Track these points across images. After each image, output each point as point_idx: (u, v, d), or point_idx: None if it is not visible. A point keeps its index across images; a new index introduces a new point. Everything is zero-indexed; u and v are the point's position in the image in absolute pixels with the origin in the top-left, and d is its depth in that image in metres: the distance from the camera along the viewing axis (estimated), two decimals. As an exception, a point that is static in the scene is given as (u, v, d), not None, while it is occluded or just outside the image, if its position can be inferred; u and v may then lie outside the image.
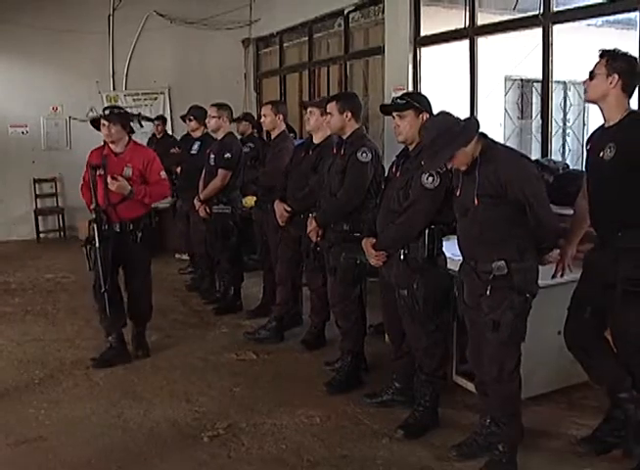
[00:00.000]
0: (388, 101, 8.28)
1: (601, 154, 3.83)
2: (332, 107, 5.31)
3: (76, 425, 4.78)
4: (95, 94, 12.53)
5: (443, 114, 3.93)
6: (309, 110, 5.92)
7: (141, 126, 12.39)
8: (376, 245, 4.56)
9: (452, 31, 7.80)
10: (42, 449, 4.43)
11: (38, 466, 4.21)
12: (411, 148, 4.49)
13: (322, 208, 5.36)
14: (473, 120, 3.88)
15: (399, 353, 4.89)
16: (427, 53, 8.28)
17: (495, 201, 3.74)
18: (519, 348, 3.91)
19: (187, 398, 5.19)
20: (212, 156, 7.20)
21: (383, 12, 8.93)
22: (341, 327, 5.47)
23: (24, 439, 4.56)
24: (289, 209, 5.98)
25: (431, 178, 4.27)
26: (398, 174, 4.53)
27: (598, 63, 3.81)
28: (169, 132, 11.51)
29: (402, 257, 4.42)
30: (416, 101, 4.51)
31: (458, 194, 3.96)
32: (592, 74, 3.83)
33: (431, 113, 4.47)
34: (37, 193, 12.09)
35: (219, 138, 7.30)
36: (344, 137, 5.27)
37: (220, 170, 7.12)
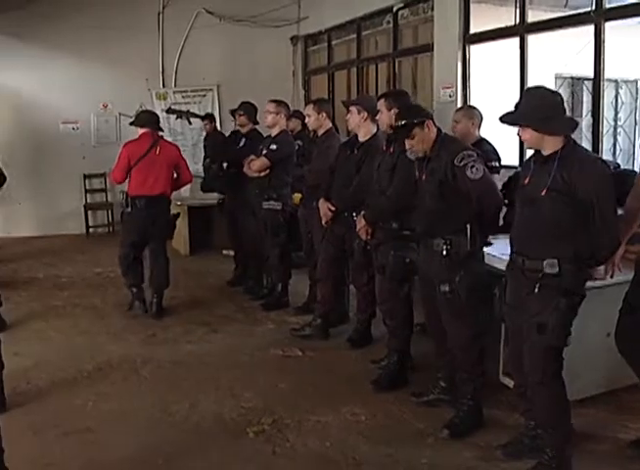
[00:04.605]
0: (436, 99, 8.30)
1: None
2: (381, 104, 5.31)
3: (123, 418, 4.83)
4: (144, 91, 12.66)
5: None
6: (349, 109, 5.93)
7: (190, 123, 12.65)
8: None
9: (502, 29, 7.72)
10: (90, 441, 4.49)
11: (86, 457, 4.27)
12: (428, 152, 4.57)
13: (371, 205, 5.35)
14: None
15: (442, 351, 4.86)
16: (476, 51, 8.21)
17: (563, 198, 3.67)
18: (562, 350, 3.86)
19: (233, 393, 5.22)
20: (265, 151, 7.22)
21: (432, 9, 8.87)
22: (388, 325, 5.46)
23: (73, 429, 4.62)
24: (333, 208, 5.99)
25: (474, 169, 4.28)
26: (424, 176, 4.57)
27: None
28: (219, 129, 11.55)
29: (445, 251, 4.40)
30: (413, 117, 4.57)
31: (526, 183, 3.90)
32: None
33: (431, 118, 4.58)
34: (87, 188, 12.23)
35: (273, 135, 7.31)
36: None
37: (262, 157, 7.17)
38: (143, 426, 4.70)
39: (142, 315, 7.21)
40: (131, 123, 7.43)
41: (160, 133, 7.40)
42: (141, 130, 7.21)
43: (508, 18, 7.54)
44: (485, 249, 4.63)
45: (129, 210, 7.14)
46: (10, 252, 10.44)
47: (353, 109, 5.84)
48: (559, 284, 3.71)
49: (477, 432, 4.51)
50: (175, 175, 7.34)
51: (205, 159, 10.65)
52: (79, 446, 4.42)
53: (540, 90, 3.86)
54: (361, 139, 5.86)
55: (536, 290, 3.77)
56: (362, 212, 5.42)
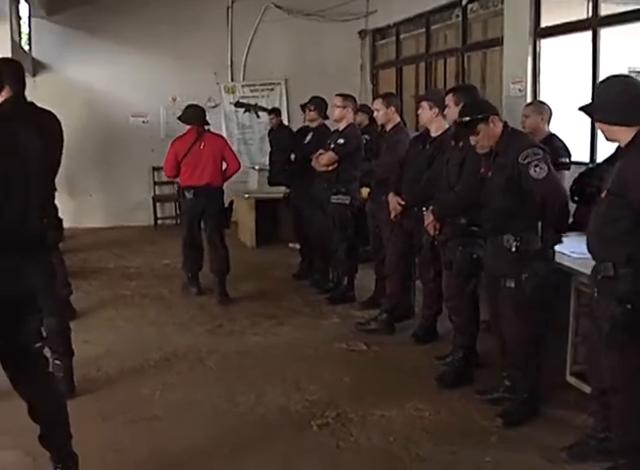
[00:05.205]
0: (505, 94, 8.19)
1: None
2: (449, 99, 5.28)
3: (189, 407, 4.89)
4: (213, 85, 12.79)
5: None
6: (420, 104, 5.91)
7: (258, 117, 12.73)
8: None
9: (574, 22, 7.57)
10: (157, 429, 4.55)
11: (154, 444, 4.32)
12: (494, 147, 4.53)
13: (440, 201, 5.32)
14: None
15: (506, 350, 4.82)
16: (547, 45, 8.08)
17: (618, 199, 3.55)
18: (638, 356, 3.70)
19: (298, 385, 5.24)
20: (332, 145, 7.23)
21: (502, 2, 8.74)
22: (454, 322, 5.43)
23: (141, 417, 4.70)
24: (403, 202, 5.97)
25: (538, 168, 4.23)
26: (491, 172, 4.52)
27: None
28: (285, 123, 11.60)
29: (515, 248, 4.36)
30: (477, 112, 4.54)
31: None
32: None
33: (496, 113, 4.55)
34: (155, 180, 12.41)
35: (341, 129, 7.32)
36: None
37: (329, 152, 7.18)
38: (209, 416, 4.76)
39: (209, 306, 7.35)
40: (179, 118, 7.84)
41: (207, 127, 7.79)
42: (188, 126, 7.64)
43: (580, 11, 7.41)
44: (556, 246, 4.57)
45: (182, 200, 7.76)
46: (80, 242, 10.62)
47: (425, 104, 5.81)
48: (613, 289, 3.51)
49: (542, 432, 4.45)
50: (225, 165, 7.70)
51: (270, 153, 10.72)
52: (147, 433, 4.49)
53: (620, 79, 3.75)
54: (433, 134, 5.83)
55: (596, 294, 3.67)
56: (430, 208, 5.40)
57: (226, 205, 7.82)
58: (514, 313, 4.46)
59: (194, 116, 7.67)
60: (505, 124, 4.58)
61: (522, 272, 4.36)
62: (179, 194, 7.95)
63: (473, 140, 4.58)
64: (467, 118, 4.56)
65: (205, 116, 7.77)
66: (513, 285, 4.38)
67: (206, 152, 7.54)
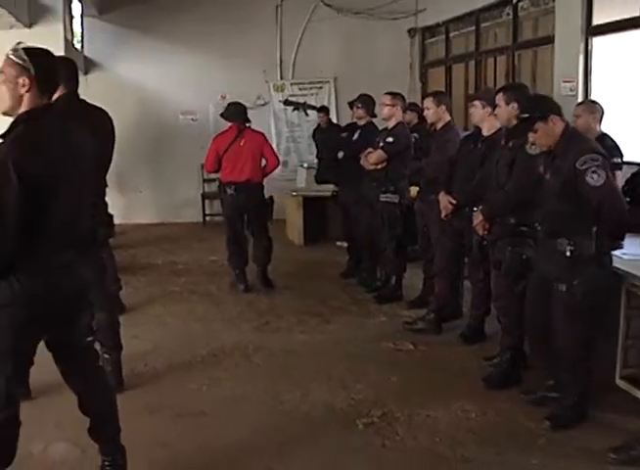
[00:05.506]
0: (556, 93, 8.10)
1: None
2: (499, 98, 5.23)
3: (235, 404, 4.92)
4: (262, 83, 12.87)
5: None
6: (473, 103, 5.86)
7: (306, 115, 12.77)
8: None
9: (627, 20, 7.46)
10: (203, 424, 4.59)
11: (200, 440, 4.36)
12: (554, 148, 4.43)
13: (489, 201, 5.27)
14: None
15: (541, 351, 4.79)
16: (599, 43, 7.98)
17: None
18: None
19: (343, 384, 5.23)
20: (381, 144, 7.21)
21: (553, 0, 8.68)
22: (502, 322, 5.38)
23: (187, 412, 4.73)
24: (454, 201, 5.94)
25: (595, 175, 4.16)
26: (548, 175, 4.45)
27: None
28: (334, 121, 11.61)
29: (569, 252, 4.30)
30: (537, 110, 4.46)
31: None
32: None
33: (557, 112, 4.42)
34: (204, 178, 12.44)
35: (390, 127, 7.29)
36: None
37: (378, 150, 7.18)
38: (254, 413, 4.77)
39: (256, 303, 7.40)
40: (221, 115, 8.05)
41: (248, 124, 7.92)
42: (229, 123, 7.85)
43: (633, 8, 7.30)
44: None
45: (223, 195, 7.89)
46: (130, 238, 10.77)
47: (477, 103, 5.76)
48: None
49: (590, 436, 4.38)
50: (264, 162, 7.89)
51: (318, 151, 10.74)
52: (193, 428, 4.52)
53: None
54: (485, 133, 5.77)
55: None
56: (480, 208, 5.36)
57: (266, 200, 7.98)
58: (564, 317, 4.40)
59: (235, 113, 7.85)
60: (566, 125, 4.48)
61: (574, 277, 4.29)
62: (220, 190, 8.11)
63: (531, 137, 4.51)
64: (526, 115, 4.50)
65: (246, 113, 7.91)
66: (564, 289, 4.32)
67: (246, 148, 7.73)
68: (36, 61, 3.18)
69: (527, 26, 9.76)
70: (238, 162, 7.71)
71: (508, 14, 9.99)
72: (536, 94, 5.14)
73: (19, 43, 3.24)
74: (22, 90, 3.18)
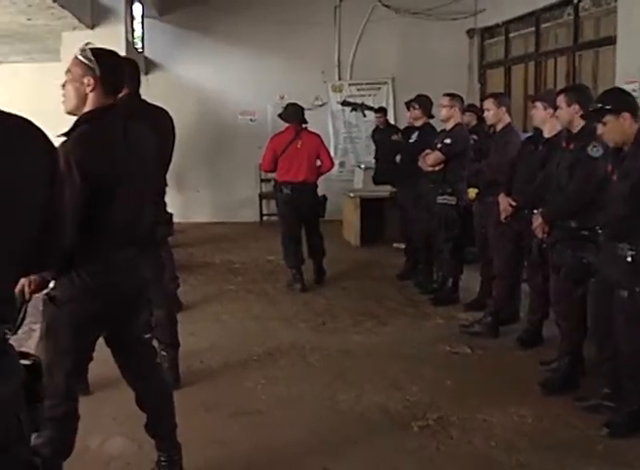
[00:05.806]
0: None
1: None
2: (560, 100, 5.16)
3: (291, 403, 4.93)
4: (320, 83, 12.90)
5: None
6: (534, 104, 5.81)
7: (364, 116, 12.77)
8: None
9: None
10: (258, 423, 4.60)
11: (255, 438, 4.37)
12: (626, 148, 4.31)
13: (549, 203, 5.21)
14: None
15: (602, 358, 4.69)
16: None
17: None
18: None
19: (398, 385, 5.21)
20: (439, 145, 7.18)
21: (615, 0, 8.55)
22: (560, 327, 5.30)
23: (243, 410, 4.76)
24: (514, 203, 5.88)
25: None
26: (616, 177, 4.36)
27: None
28: (391, 122, 11.57)
29: (630, 258, 4.22)
30: (609, 103, 4.36)
31: None
32: None
33: (632, 110, 4.27)
34: (262, 178, 12.48)
35: (448, 128, 7.26)
36: (574, 131, 5.10)
37: (436, 151, 7.15)
38: (310, 412, 4.79)
39: (313, 303, 7.43)
40: (279, 116, 8.17)
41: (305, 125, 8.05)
42: (286, 123, 7.98)
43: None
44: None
45: (279, 194, 8.04)
46: (188, 237, 10.87)
47: (539, 104, 5.70)
48: None
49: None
50: (319, 163, 8.01)
51: (376, 151, 10.73)
52: (249, 427, 4.54)
53: None
54: (546, 135, 5.71)
55: None
56: (540, 210, 5.29)
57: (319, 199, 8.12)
58: (625, 323, 4.32)
59: (293, 114, 7.96)
60: None
61: (636, 283, 4.21)
62: (276, 189, 8.21)
63: (599, 129, 4.45)
64: (598, 105, 4.43)
65: (303, 114, 8.00)
66: (626, 295, 4.24)
67: (303, 150, 7.87)
68: (102, 61, 3.22)
69: (589, 27, 9.63)
70: (294, 162, 7.84)
71: (569, 14, 9.86)
72: (617, 87, 5.05)
73: (87, 44, 3.29)
74: (87, 90, 3.23)
